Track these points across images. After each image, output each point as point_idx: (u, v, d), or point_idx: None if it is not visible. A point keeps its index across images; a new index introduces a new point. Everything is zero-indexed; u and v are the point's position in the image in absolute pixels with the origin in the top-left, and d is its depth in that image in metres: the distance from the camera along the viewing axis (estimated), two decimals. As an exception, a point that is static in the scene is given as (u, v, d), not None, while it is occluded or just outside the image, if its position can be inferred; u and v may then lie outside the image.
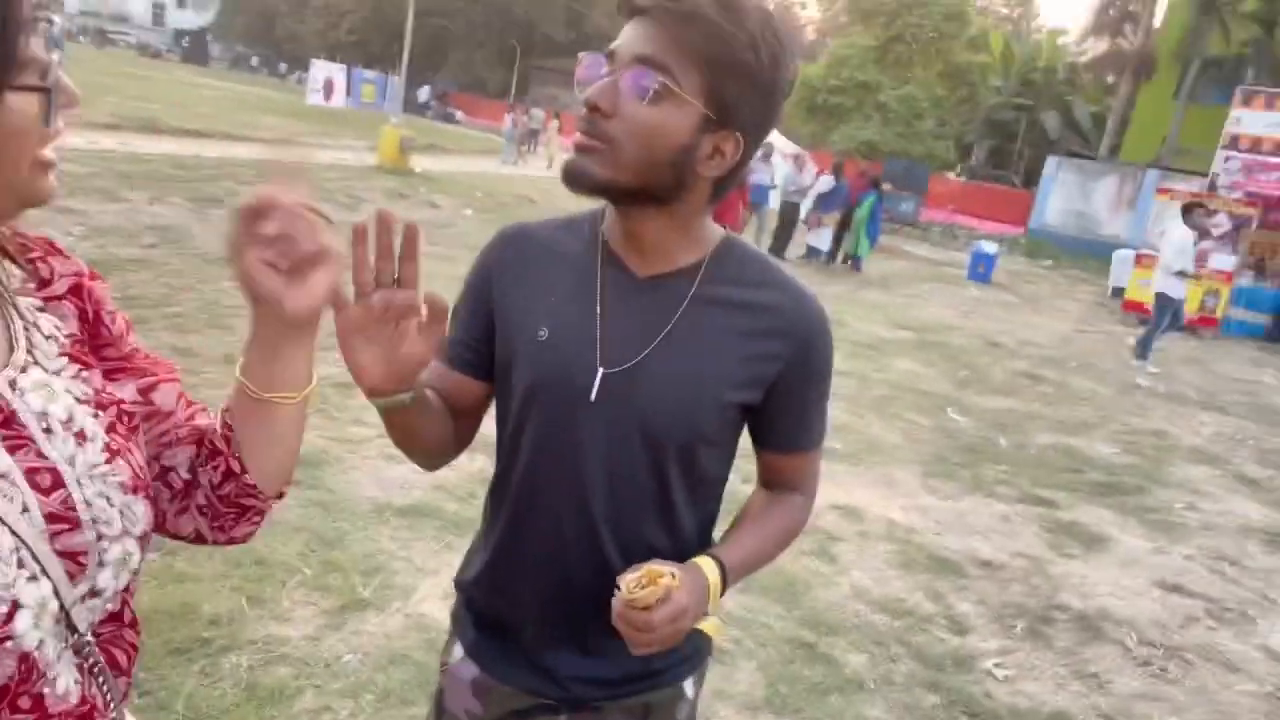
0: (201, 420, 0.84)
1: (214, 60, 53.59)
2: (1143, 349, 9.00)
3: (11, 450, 0.64)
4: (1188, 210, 8.98)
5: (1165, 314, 8.80)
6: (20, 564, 0.61)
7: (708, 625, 1.01)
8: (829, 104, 27.81)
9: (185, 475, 0.82)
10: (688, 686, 1.19)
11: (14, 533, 0.61)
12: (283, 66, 42.92)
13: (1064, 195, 21.38)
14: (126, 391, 0.77)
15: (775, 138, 14.17)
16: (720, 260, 1.06)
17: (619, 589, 0.92)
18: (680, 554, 1.06)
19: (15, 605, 0.60)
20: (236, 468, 0.79)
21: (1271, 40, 22.40)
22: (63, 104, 0.65)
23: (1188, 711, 2.93)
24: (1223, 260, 12.30)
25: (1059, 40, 33.88)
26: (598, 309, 1.03)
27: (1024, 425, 6.16)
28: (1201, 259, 12.48)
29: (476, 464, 3.88)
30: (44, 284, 0.73)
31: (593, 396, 1.01)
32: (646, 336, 1.02)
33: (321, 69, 29.63)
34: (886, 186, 20.98)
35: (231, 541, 0.84)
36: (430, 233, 10.13)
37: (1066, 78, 31.11)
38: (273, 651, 2.39)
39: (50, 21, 0.64)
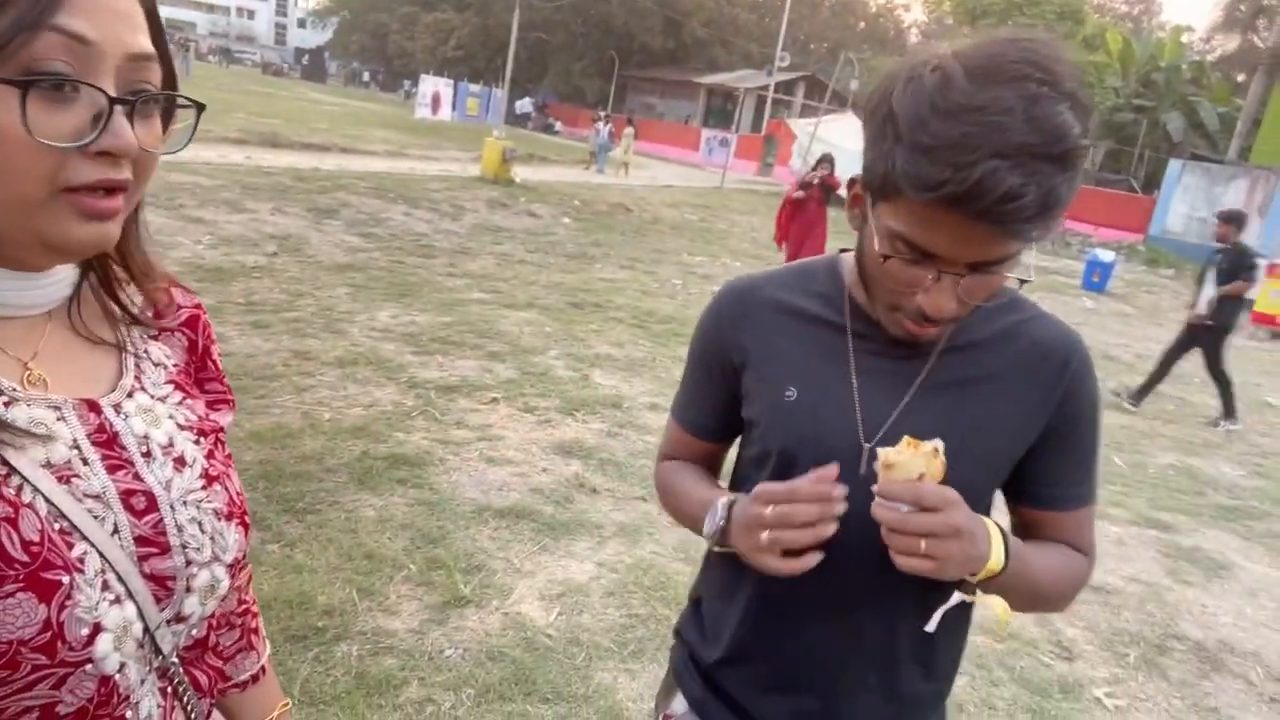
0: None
1: (330, 77, 56.43)
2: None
3: (111, 470, 0.64)
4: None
5: None
6: (105, 586, 0.61)
7: (996, 603, 0.89)
8: (932, 108, 27.09)
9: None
10: None
11: (102, 555, 0.61)
12: (406, 84, 44.25)
13: (1188, 200, 20.11)
14: (226, 420, 0.80)
15: None
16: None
17: (877, 462, 0.85)
18: (940, 643, 1.00)
19: (97, 628, 0.60)
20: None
21: None
22: (103, 144, 0.57)
23: (1322, 756, 2.73)
24: (1369, 270, 11.34)
25: (1183, 38, 31.95)
26: (852, 373, 0.96)
27: (1141, 444, 5.85)
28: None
29: (571, 468, 3.98)
30: (160, 315, 0.76)
31: (862, 469, 0.93)
32: (900, 394, 0.96)
33: (430, 84, 30.77)
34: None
35: None
36: (529, 240, 10.38)
37: (1192, 77, 29.32)
38: (381, 643, 2.52)
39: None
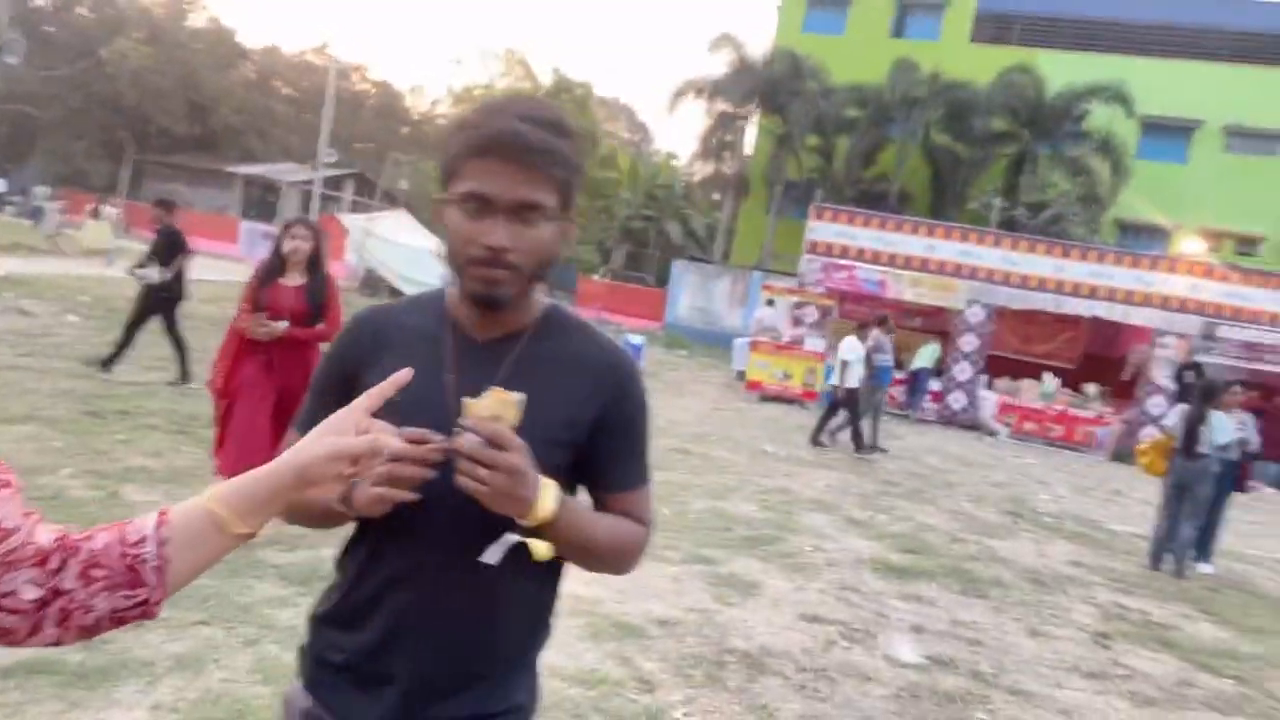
0: (41, 535, 0.79)
1: None
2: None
3: None
4: (863, 327, 10.59)
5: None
6: None
7: (537, 544, 1.12)
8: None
9: (31, 597, 0.78)
10: None
11: None
12: None
13: (690, 293, 24.22)
14: None
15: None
16: (545, 322, 1.25)
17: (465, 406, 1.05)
18: (526, 597, 1.22)
19: None
20: (158, 596, 0.81)
21: (830, 168, 27.91)
22: None
23: (839, 721, 3.36)
24: (815, 343, 14.76)
25: (673, 162, 38.92)
26: (449, 372, 1.19)
27: (680, 494, 6.75)
28: (799, 343, 14.88)
29: (106, 600, 3.30)
30: None
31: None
32: (486, 386, 1.15)
33: None
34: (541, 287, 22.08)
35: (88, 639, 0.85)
36: (23, 343, 8.62)
37: (683, 194, 35.70)
38: None
39: None
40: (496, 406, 1.05)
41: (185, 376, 7.85)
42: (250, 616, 3.46)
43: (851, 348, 10.10)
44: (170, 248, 8.06)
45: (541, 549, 1.12)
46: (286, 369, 4.42)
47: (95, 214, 20.00)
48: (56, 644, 0.84)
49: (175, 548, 0.82)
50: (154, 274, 7.89)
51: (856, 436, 10.17)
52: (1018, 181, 25.87)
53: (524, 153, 1.10)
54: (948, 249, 15.68)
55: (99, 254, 19.26)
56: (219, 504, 0.83)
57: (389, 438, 0.86)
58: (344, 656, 1.19)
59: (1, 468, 0.79)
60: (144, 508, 4.38)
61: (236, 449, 4.38)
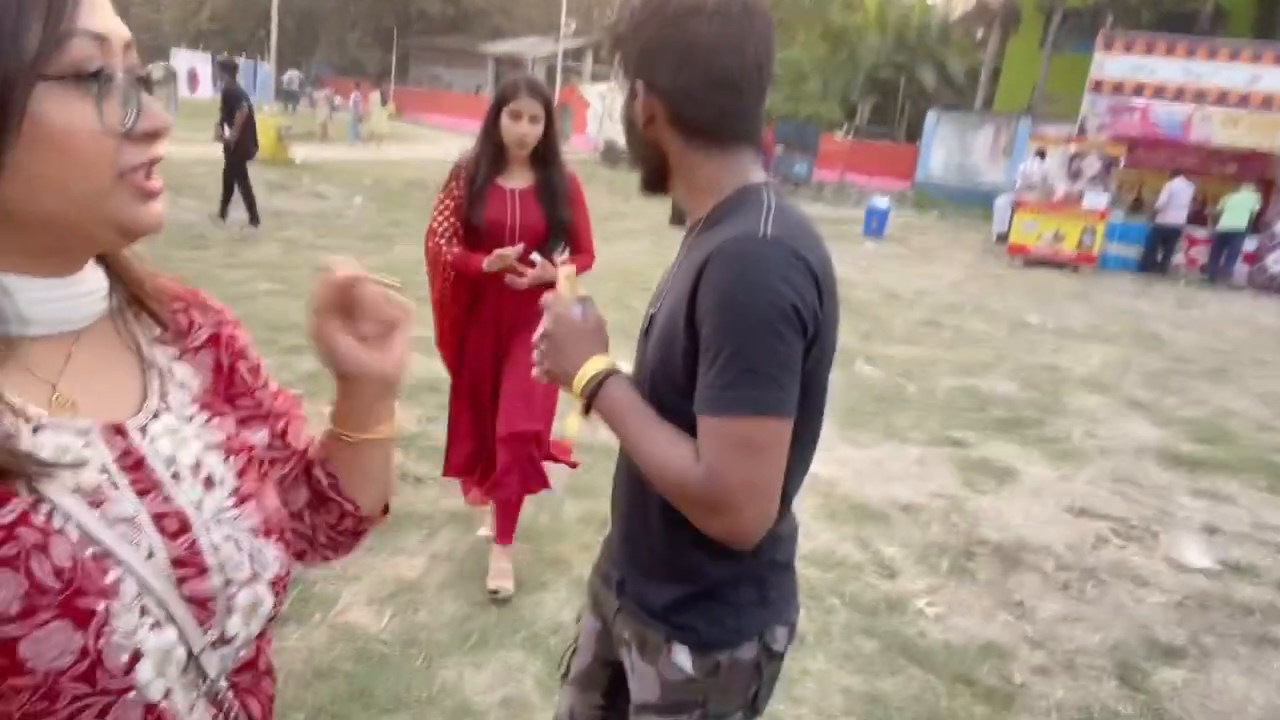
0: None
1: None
2: None
3: (139, 495, 0.64)
4: None
5: None
6: (144, 611, 0.61)
7: (573, 418, 1.14)
8: (716, 70, 27.87)
9: (310, 520, 0.86)
10: (680, 654, 1.14)
11: (138, 578, 0.61)
12: (164, 63, 39.58)
13: (945, 148, 22.12)
14: (259, 437, 0.79)
15: None
16: (718, 209, 1.10)
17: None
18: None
19: (137, 654, 0.60)
20: (350, 508, 0.85)
21: (1123, -12, 23.63)
22: (145, 126, 0.61)
23: (1107, 628, 3.07)
24: (1096, 199, 12.97)
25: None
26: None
27: (928, 371, 6.36)
28: (1076, 198, 13.16)
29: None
30: (182, 335, 0.75)
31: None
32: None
33: (184, 59, 27.95)
34: (777, 149, 21.30)
35: (347, 554, 0.92)
36: (318, 224, 9.71)
37: (939, 34, 32.08)
38: (185, 681, 2.23)
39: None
40: (559, 279, 1.16)
41: (253, 220, 8.96)
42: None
43: None
44: (229, 106, 8.88)
45: (570, 424, 1.16)
46: (517, 323, 2.77)
47: (384, 100, 21.83)
48: (320, 561, 0.90)
49: (334, 466, 0.84)
50: (227, 133, 8.91)
51: None
52: (1387, -19, 20.39)
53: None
54: (1278, 77, 12.86)
55: (377, 139, 21.12)
56: (334, 421, 0.83)
57: (337, 274, 0.75)
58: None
59: (297, 402, 0.86)
60: (422, 372, 4.76)
61: (462, 447, 2.99)
